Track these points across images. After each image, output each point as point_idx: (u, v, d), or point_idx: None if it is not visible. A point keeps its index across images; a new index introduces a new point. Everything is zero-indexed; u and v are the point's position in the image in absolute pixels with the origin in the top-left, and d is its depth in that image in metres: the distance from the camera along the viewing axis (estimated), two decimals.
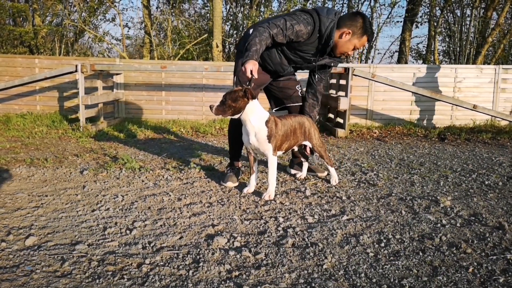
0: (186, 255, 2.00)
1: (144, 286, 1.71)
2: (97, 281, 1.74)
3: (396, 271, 1.86)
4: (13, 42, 10.57)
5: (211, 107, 2.75)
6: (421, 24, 11.99)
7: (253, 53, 2.80)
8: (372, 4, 11.44)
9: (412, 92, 6.17)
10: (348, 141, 5.62)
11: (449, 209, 2.73)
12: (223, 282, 1.75)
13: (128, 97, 7.15)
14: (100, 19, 11.44)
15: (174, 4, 11.07)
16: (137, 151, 4.59)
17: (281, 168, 3.76)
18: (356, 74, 5.85)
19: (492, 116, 6.18)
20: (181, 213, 2.60)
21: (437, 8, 11.11)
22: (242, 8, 11.83)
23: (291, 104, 3.49)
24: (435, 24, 10.90)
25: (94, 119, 6.38)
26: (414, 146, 5.23)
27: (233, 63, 7.51)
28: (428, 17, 11.37)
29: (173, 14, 11.13)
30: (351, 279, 1.79)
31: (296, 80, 3.50)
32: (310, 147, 3.32)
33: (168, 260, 1.94)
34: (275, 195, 2.97)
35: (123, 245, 2.11)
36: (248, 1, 11.60)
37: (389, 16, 11.60)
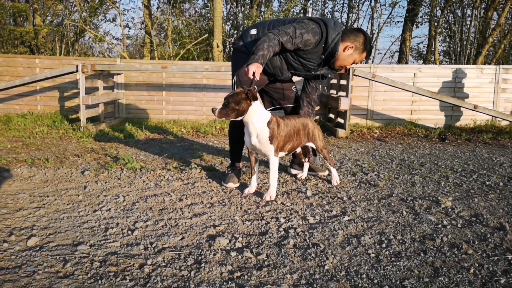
0: (188, 256, 2.00)
1: (146, 287, 1.72)
2: (100, 282, 1.75)
3: (398, 272, 1.87)
4: (13, 42, 10.57)
5: (213, 110, 2.75)
6: (421, 24, 12.01)
7: (259, 57, 2.81)
8: (372, 4, 11.45)
9: (413, 92, 6.16)
10: (349, 141, 5.63)
11: (450, 209, 2.74)
12: (225, 283, 1.76)
13: (129, 97, 7.15)
14: (101, 19, 11.45)
15: (174, 4, 11.07)
16: (138, 151, 4.60)
17: (281, 168, 3.76)
18: (357, 74, 5.85)
19: (492, 116, 6.18)
20: (182, 213, 2.60)
21: (438, 8, 11.12)
22: (242, 8, 11.83)
23: (288, 104, 3.50)
24: (436, 24, 10.90)
25: (94, 119, 6.39)
26: (415, 147, 5.23)
27: None
28: (428, 17, 11.38)
29: (174, 14, 11.12)
30: (352, 280, 1.79)
31: (292, 81, 3.50)
32: (313, 148, 3.33)
33: (170, 261, 1.95)
34: (276, 196, 2.98)
35: (125, 245, 2.11)
36: (249, 1, 11.60)
37: (389, 16, 11.60)
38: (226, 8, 11.84)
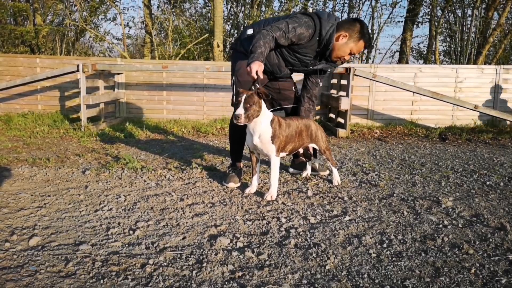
0: (189, 256, 2.01)
1: (148, 287, 1.72)
2: (101, 281, 1.75)
3: (399, 272, 1.87)
4: (14, 41, 10.57)
5: (238, 116, 2.68)
6: (421, 24, 12.01)
7: (258, 55, 2.81)
8: (373, 4, 11.45)
9: (414, 92, 6.16)
10: (349, 141, 5.63)
11: (450, 209, 2.74)
12: (226, 283, 1.76)
13: (129, 96, 7.15)
14: (101, 18, 11.44)
15: (175, 4, 11.07)
16: (139, 151, 4.60)
17: (282, 168, 3.76)
18: (357, 74, 5.86)
19: (493, 116, 6.18)
20: (183, 213, 2.61)
21: (438, 8, 11.12)
22: (243, 8, 11.83)
23: (288, 105, 3.50)
24: (436, 24, 10.90)
25: (95, 119, 6.39)
26: (415, 146, 5.23)
27: None
28: (429, 17, 11.38)
29: (174, 13, 11.12)
30: (354, 280, 1.79)
31: (292, 81, 3.50)
32: (314, 149, 3.34)
33: (172, 261, 1.95)
34: (277, 196, 2.98)
35: (127, 245, 2.12)
36: (249, 1, 11.60)
37: (390, 16, 11.60)
38: (227, 8, 11.85)
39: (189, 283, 1.75)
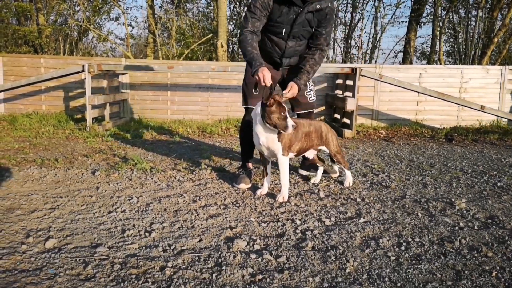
0: (207, 258, 1.99)
1: None
2: (122, 284, 1.74)
3: (420, 275, 1.86)
4: (17, 41, 10.55)
5: (294, 127, 2.72)
6: (424, 24, 12.00)
7: (256, 60, 2.88)
8: (376, 3, 11.44)
9: (420, 93, 6.15)
10: (356, 141, 5.62)
11: (465, 211, 2.73)
12: (247, 286, 1.75)
13: (133, 97, 7.14)
14: (104, 18, 11.42)
15: (178, 4, 11.05)
16: (146, 152, 4.59)
17: (292, 169, 3.75)
18: (364, 74, 5.85)
19: (499, 117, 6.18)
20: (197, 215, 2.60)
21: (441, 8, 11.11)
22: (245, 8, 11.80)
23: (301, 111, 3.46)
24: (440, 24, 10.89)
25: (100, 119, 6.37)
26: (422, 147, 5.22)
27: (240, 63, 7.52)
28: (432, 17, 11.37)
29: (177, 13, 11.10)
30: (375, 283, 1.78)
31: (306, 86, 3.43)
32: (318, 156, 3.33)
33: (190, 263, 1.94)
34: (289, 197, 2.97)
35: (144, 247, 2.10)
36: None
37: (393, 16, 11.60)
38: (230, 8, 11.83)
39: (210, 287, 1.74)
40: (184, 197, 2.95)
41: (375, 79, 6.09)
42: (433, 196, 3.08)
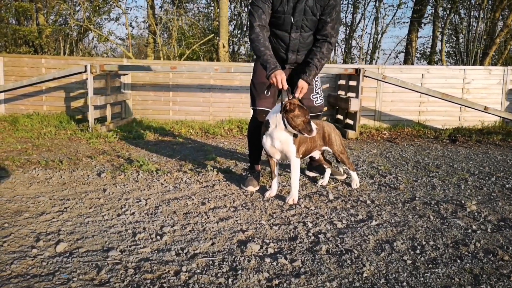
0: (222, 262, 1.97)
1: None
2: None
3: (438, 280, 1.84)
4: (16, 41, 10.48)
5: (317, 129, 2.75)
6: (424, 25, 12.00)
7: (270, 62, 2.85)
8: (377, 4, 11.42)
9: (424, 94, 6.14)
10: (359, 142, 5.60)
11: (476, 213, 2.71)
12: None
13: (135, 97, 7.11)
14: (105, 18, 11.37)
15: (179, 4, 11.01)
16: (150, 153, 4.56)
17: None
18: (367, 75, 5.83)
19: (503, 118, 6.17)
20: (207, 217, 2.57)
21: (441, 9, 11.10)
22: (246, 8, 11.77)
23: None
24: (442, 25, 10.88)
25: (101, 120, 6.33)
26: (427, 148, 5.21)
27: (243, 64, 7.49)
28: (432, 18, 11.37)
29: (178, 14, 11.06)
30: None
31: (312, 89, 3.39)
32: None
33: (205, 268, 1.91)
34: (298, 199, 2.94)
35: (156, 251, 2.08)
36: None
37: (393, 17, 11.60)
38: (230, 8, 11.79)
39: None
40: (193, 199, 2.92)
41: (379, 80, 6.08)
42: (443, 198, 3.07)
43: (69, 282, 1.75)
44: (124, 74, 6.89)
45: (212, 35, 10.75)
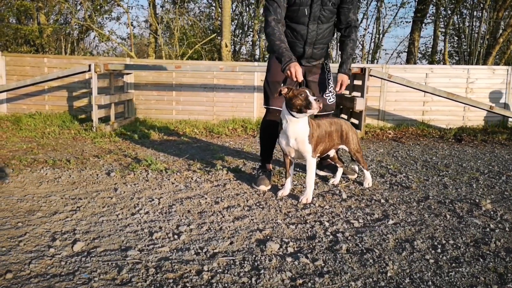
0: (243, 262, 1.94)
1: None
2: None
3: (463, 279, 1.82)
4: (18, 41, 10.42)
5: (317, 100, 2.62)
6: (425, 25, 11.99)
7: (285, 55, 2.80)
8: (379, 4, 11.41)
9: (429, 93, 6.12)
10: (365, 142, 5.58)
11: (492, 212, 2.70)
12: None
13: (138, 97, 7.07)
14: (106, 17, 11.31)
15: (180, 4, 10.97)
16: (156, 152, 4.53)
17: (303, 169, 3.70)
18: (373, 74, 5.81)
19: (509, 117, 6.16)
20: (223, 216, 2.54)
21: (443, 8, 11.10)
22: (247, 8, 11.76)
23: (319, 112, 3.37)
24: (445, 24, 10.87)
25: (105, 119, 6.29)
26: (433, 147, 5.20)
27: (247, 63, 7.47)
28: (434, 17, 11.37)
29: (180, 13, 11.02)
30: (420, 287, 1.74)
31: (325, 87, 3.37)
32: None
33: (226, 267, 1.89)
34: (312, 198, 2.92)
35: (175, 250, 2.05)
36: (254, 1, 11.53)
37: (395, 17, 11.59)
38: (232, 8, 11.77)
39: None
40: (206, 198, 2.90)
41: (384, 79, 6.06)
42: (456, 197, 3.05)
43: (90, 282, 1.72)
44: (127, 74, 6.85)
45: (214, 34, 10.72)
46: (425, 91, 6.03)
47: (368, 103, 6.95)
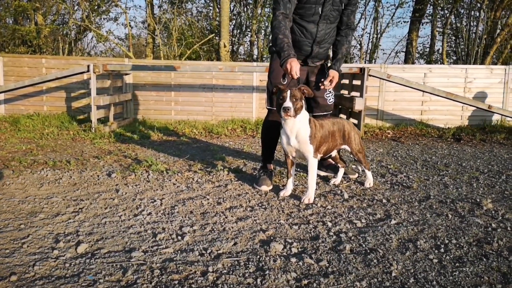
0: (247, 262, 1.94)
1: None
2: None
3: (467, 278, 1.82)
4: (15, 41, 10.38)
5: (287, 109, 2.64)
6: (423, 24, 12.02)
7: (285, 51, 2.78)
8: (376, 4, 11.43)
9: (428, 92, 6.13)
10: (365, 142, 5.60)
11: (493, 212, 2.71)
12: None
13: (137, 97, 7.06)
14: (104, 18, 11.28)
15: (178, 4, 10.96)
16: (156, 153, 4.52)
17: (303, 169, 3.71)
18: (372, 74, 5.82)
19: (507, 116, 6.19)
20: (226, 217, 2.54)
21: (444, 8, 11.12)
22: (245, 8, 11.75)
23: (320, 113, 3.38)
24: (443, 24, 10.91)
25: (104, 120, 6.28)
26: (432, 147, 5.21)
27: (247, 63, 7.47)
28: (431, 17, 11.40)
29: (178, 13, 11.01)
30: (425, 287, 1.75)
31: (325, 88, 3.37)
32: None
33: (231, 268, 1.89)
34: (314, 198, 2.92)
35: (179, 252, 2.05)
36: (251, 1, 11.52)
37: (393, 17, 11.61)
38: (230, 7, 11.77)
39: None
40: (208, 199, 2.90)
41: (383, 79, 6.07)
42: (457, 196, 3.06)
43: (95, 284, 1.72)
44: (126, 74, 6.84)
45: (213, 35, 10.71)
46: (424, 91, 6.04)
47: (367, 103, 6.96)
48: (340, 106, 6.83)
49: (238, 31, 11.85)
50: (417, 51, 12.85)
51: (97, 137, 5.30)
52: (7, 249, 2.04)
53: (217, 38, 10.00)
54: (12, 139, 5.09)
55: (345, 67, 6.23)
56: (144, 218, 2.50)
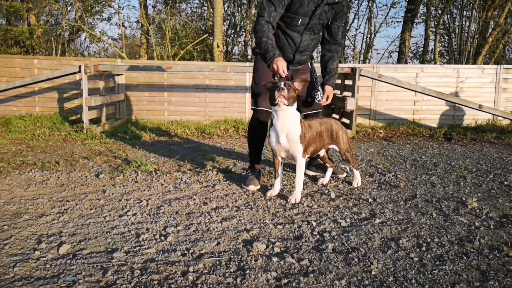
0: (229, 262, 1.95)
1: None
2: None
3: (446, 276, 1.84)
4: (7, 42, 10.35)
5: (282, 89, 2.62)
6: (416, 24, 12.06)
7: (271, 50, 2.82)
8: (370, 4, 11.47)
9: (420, 92, 6.16)
10: (356, 141, 5.61)
11: (478, 210, 2.72)
12: None
13: (129, 98, 7.05)
14: (97, 18, 11.27)
15: (172, 4, 10.95)
16: (147, 153, 4.52)
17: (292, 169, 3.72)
18: (363, 74, 5.84)
19: (498, 116, 6.22)
20: (211, 217, 2.55)
21: (436, 8, 11.17)
22: (239, 9, 11.75)
23: (308, 111, 3.40)
24: (436, 24, 10.95)
25: (96, 121, 6.27)
26: (423, 146, 5.23)
27: (239, 64, 7.47)
28: (424, 17, 11.44)
29: (171, 14, 11.01)
30: (403, 286, 1.76)
31: (313, 86, 3.39)
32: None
33: (212, 268, 1.89)
34: (301, 198, 2.93)
35: (161, 252, 2.05)
36: (246, 1, 11.53)
37: (386, 17, 11.65)
38: (224, 8, 11.77)
39: None
40: (194, 199, 2.90)
41: (375, 79, 6.09)
42: (443, 195, 3.07)
43: (74, 285, 1.72)
44: (118, 75, 6.83)
45: (206, 35, 10.71)
46: (414, 91, 6.07)
47: (359, 102, 6.98)
48: (332, 106, 6.86)
49: (232, 31, 11.86)
50: (411, 51, 12.89)
51: (88, 138, 5.30)
52: None
53: (210, 38, 10.00)
54: (2, 140, 5.08)
55: None
56: (129, 219, 2.50)
